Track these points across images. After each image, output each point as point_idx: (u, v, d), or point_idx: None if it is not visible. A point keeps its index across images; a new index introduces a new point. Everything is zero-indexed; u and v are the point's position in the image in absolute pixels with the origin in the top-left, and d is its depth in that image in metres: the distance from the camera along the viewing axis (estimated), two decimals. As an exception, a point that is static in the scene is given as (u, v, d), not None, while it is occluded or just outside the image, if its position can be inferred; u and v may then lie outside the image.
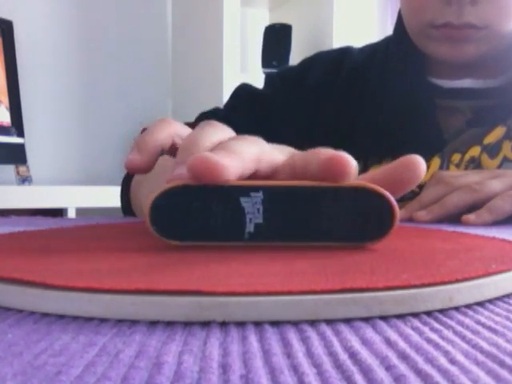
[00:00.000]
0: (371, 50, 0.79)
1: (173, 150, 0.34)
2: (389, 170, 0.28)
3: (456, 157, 0.67)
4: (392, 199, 0.25)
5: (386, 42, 0.78)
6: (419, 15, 0.67)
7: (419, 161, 0.28)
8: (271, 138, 0.34)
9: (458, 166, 0.66)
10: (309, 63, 0.80)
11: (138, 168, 0.32)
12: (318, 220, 0.25)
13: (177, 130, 0.35)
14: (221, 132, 0.31)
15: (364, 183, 0.25)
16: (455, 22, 0.63)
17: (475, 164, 0.66)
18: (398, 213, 0.25)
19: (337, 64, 0.78)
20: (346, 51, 0.80)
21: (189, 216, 0.25)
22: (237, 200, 0.25)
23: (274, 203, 0.25)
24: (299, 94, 0.77)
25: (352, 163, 0.25)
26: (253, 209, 0.25)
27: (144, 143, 0.33)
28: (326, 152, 0.27)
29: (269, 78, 0.82)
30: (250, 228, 0.25)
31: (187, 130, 0.35)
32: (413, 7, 0.68)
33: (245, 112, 0.76)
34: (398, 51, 0.74)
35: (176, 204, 0.25)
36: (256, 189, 0.25)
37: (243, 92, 0.80)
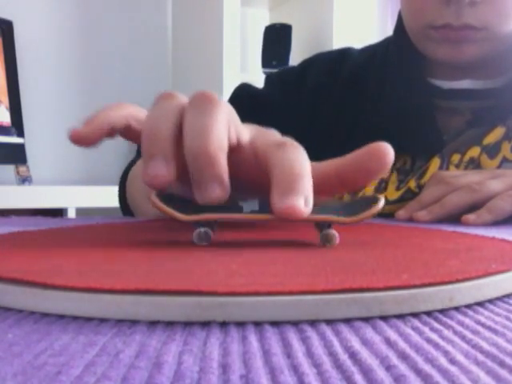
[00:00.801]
0: (371, 50, 0.79)
1: (128, 133, 0.34)
2: (355, 159, 0.27)
3: (456, 157, 0.67)
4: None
5: (386, 43, 0.78)
6: (419, 17, 0.67)
7: (387, 149, 0.27)
8: None
9: (457, 166, 0.66)
10: (309, 64, 0.80)
11: (79, 139, 0.30)
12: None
13: (132, 113, 0.34)
14: (178, 102, 0.30)
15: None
16: (454, 24, 0.63)
17: (475, 164, 0.66)
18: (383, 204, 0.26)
19: (336, 65, 0.78)
20: (345, 52, 0.80)
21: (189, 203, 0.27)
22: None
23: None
24: (299, 95, 0.77)
25: (304, 208, 0.25)
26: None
27: (92, 117, 0.32)
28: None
29: (269, 79, 0.82)
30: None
31: (144, 113, 0.34)
32: (413, 9, 0.68)
33: (244, 112, 0.76)
34: (398, 52, 0.74)
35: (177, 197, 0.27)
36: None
37: (243, 92, 0.80)
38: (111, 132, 0.32)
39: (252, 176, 0.31)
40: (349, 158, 0.28)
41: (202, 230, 0.26)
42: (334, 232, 0.27)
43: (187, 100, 0.30)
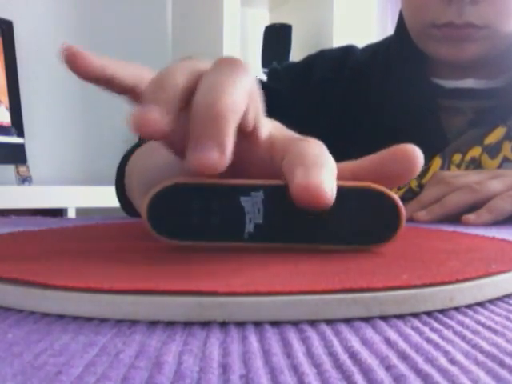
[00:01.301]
0: (372, 50, 0.79)
1: (135, 95, 0.28)
2: (379, 161, 0.25)
3: (457, 157, 0.67)
4: (398, 200, 0.24)
5: (387, 43, 0.78)
6: (421, 15, 0.67)
7: (415, 152, 0.24)
8: None
9: (458, 166, 0.66)
10: (312, 60, 0.80)
11: (70, 54, 0.26)
12: (319, 221, 0.24)
13: (145, 76, 0.28)
14: (198, 63, 0.26)
15: (369, 184, 0.24)
16: (456, 22, 0.63)
17: (476, 164, 0.66)
18: (405, 215, 0.24)
19: (340, 62, 0.78)
20: (349, 50, 0.80)
21: (187, 215, 0.24)
22: (237, 199, 0.24)
23: (275, 203, 0.24)
24: (303, 90, 0.77)
25: (329, 190, 0.22)
26: (253, 208, 0.24)
27: (97, 55, 0.27)
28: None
29: (272, 72, 0.82)
30: (249, 228, 0.24)
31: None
32: (414, 7, 0.68)
33: None
34: (400, 51, 0.74)
35: (174, 203, 0.24)
36: (256, 188, 0.24)
37: None
38: (110, 81, 0.27)
39: (261, 175, 0.27)
40: (370, 161, 0.25)
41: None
42: None
43: (209, 64, 0.26)
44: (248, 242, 0.24)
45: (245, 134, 0.26)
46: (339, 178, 0.24)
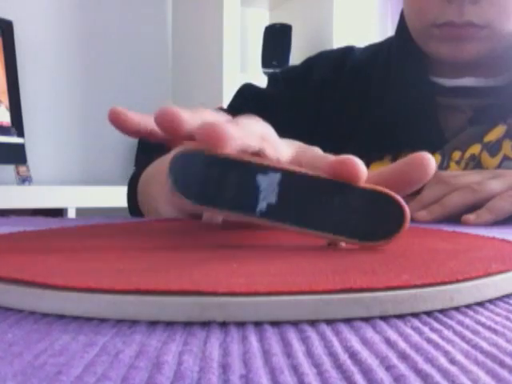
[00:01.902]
0: (373, 49, 0.79)
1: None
2: (398, 168, 0.28)
3: (456, 154, 0.67)
4: (403, 203, 0.25)
5: (389, 42, 0.79)
6: (421, 15, 0.67)
7: (429, 158, 0.27)
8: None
9: (458, 163, 0.67)
10: (312, 62, 0.81)
11: (116, 117, 0.30)
12: (329, 213, 0.26)
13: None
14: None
15: (379, 188, 0.26)
16: (457, 21, 0.63)
17: (475, 162, 0.66)
18: (409, 216, 0.25)
19: (339, 63, 0.78)
20: (348, 51, 0.80)
21: (206, 180, 0.25)
22: (254, 176, 0.25)
23: (290, 187, 0.25)
24: (302, 93, 0.77)
25: (363, 168, 0.25)
26: (268, 188, 0.25)
27: (136, 113, 0.31)
28: (334, 156, 0.27)
29: (272, 78, 0.82)
30: (262, 206, 0.25)
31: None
32: (415, 7, 0.68)
33: (249, 111, 0.76)
34: (400, 50, 0.74)
35: (196, 166, 0.25)
36: (275, 170, 0.25)
37: (247, 91, 0.80)
38: (152, 135, 0.32)
39: None
40: (391, 168, 0.28)
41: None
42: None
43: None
44: (259, 219, 0.25)
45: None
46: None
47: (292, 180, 0.25)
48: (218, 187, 0.25)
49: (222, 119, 0.32)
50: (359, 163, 0.25)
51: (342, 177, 0.25)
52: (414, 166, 0.27)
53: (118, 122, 0.30)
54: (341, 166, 0.25)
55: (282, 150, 0.32)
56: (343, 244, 0.26)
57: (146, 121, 0.31)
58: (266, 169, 0.25)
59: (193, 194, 0.25)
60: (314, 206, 0.26)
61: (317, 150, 0.33)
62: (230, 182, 0.25)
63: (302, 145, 0.34)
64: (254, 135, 0.28)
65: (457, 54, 0.66)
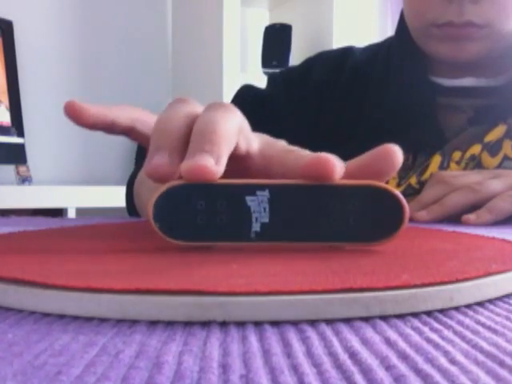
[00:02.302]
0: (373, 49, 0.79)
1: (132, 134, 0.34)
2: (365, 161, 0.28)
3: (457, 154, 0.67)
4: (401, 197, 0.24)
5: (388, 42, 0.79)
6: (422, 15, 0.67)
7: (395, 150, 0.27)
8: (275, 137, 0.34)
9: (458, 163, 0.67)
10: (311, 63, 0.81)
11: (73, 110, 0.31)
12: (325, 219, 0.25)
13: (140, 117, 0.35)
14: (191, 106, 0.30)
15: (372, 182, 0.25)
16: (456, 21, 0.63)
17: (475, 162, 0.66)
18: (408, 211, 0.25)
19: (339, 63, 0.78)
20: (348, 51, 0.80)
21: (193, 215, 0.24)
22: (242, 199, 0.24)
23: (281, 202, 0.24)
24: (301, 93, 0.77)
25: (338, 164, 0.25)
26: (259, 208, 0.24)
27: (98, 106, 0.32)
28: (310, 153, 0.28)
29: (271, 79, 0.82)
30: (256, 227, 0.24)
31: (152, 118, 0.34)
32: (415, 7, 0.68)
33: (248, 113, 0.76)
34: (400, 50, 0.74)
35: (180, 203, 0.24)
36: (262, 187, 0.24)
37: (246, 93, 0.80)
38: (111, 126, 0.33)
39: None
40: (358, 160, 0.28)
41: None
42: None
43: (201, 107, 0.30)
44: (255, 242, 0.25)
45: (240, 158, 0.30)
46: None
47: (281, 194, 0.24)
48: (207, 220, 0.24)
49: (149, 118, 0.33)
50: (334, 159, 0.25)
51: (318, 175, 0.24)
52: (380, 158, 0.27)
53: (73, 114, 0.30)
54: (316, 165, 0.24)
55: (253, 142, 0.32)
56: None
57: (105, 113, 0.31)
58: (254, 189, 0.24)
59: (182, 233, 0.24)
60: (308, 216, 0.25)
61: (283, 144, 0.33)
62: (219, 210, 0.24)
63: (268, 138, 0.34)
64: (231, 137, 0.27)
65: (456, 53, 0.66)
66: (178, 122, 0.28)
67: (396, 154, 0.27)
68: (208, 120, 0.27)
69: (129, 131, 0.34)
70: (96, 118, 0.31)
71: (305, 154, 0.30)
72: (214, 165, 0.24)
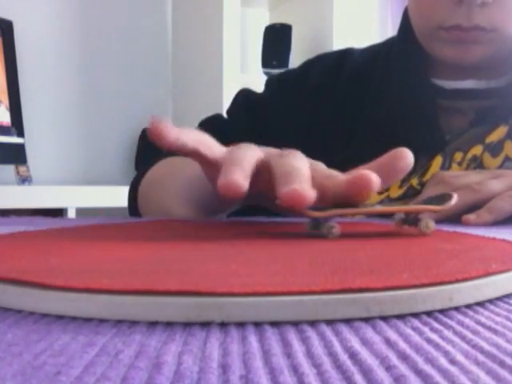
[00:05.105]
0: (374, 50, 0.79)
1: (195, 154, 0.37)
2: (382, 162, 0.33)
3: (458, 155, 0.67)
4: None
5: (390, 43, 0.78)
6: (429, 18, 0.67)
7: (407, 152, 0.34)
8: (273, 141, 0.35)
9: (460, 164, 0.67)
10: (310, 65, 0.81)
11: (158, 133, 0.33)
12: None
13: (203, 139, 0.37)
14: (256, 150, 0.35)
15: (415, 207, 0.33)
16: (464, 25, 0.63)
17: (477, 163, 0.66)
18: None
19: (338, 66, 0.78)
20: (347, 53, 0.80)
21: None
22: None
23: None
24: (299, 96, 0.77)
25: (376, 180, 0.29)
26: None
27: (171, 126, 0.34)
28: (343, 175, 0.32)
29: (269, 82, 0.82)
30: None
31: (211, 140, 0.38)
32: (423, 9, 0.68)
33: (245, 118, 0.76)
34: (402, 51, 0.74)
35: None
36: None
37: (243, 98, 0.80)
38: (180, 149, 0.35)
39: (257, 187, 0.34)
40: (376, 162, 0.33)
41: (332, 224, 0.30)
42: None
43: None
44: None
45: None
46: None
47: None
48: None
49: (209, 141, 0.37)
50: (372, 177, 0.29)
51: (357, 192, 0.30)
52: (396, 159, 0.33)
53: (156, 136, 0.32)
54: (356, 184, 0.29)
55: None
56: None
57: (185, 136, 0.34)
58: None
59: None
60: None
61: (324, 168, 0.36)
62: None
63: (277, 151, 0.37)
64: (308, 175, 0.31)
65: (462, 56, 0.66)
66: (251, 156, 0.33)
67: (409, 155, 0.33)
68: (287, 162, 0.32)
69: (193, 153, 0.37)
70: (172, 144, 0.34)
71: (342, 178, 0.33)
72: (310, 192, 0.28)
